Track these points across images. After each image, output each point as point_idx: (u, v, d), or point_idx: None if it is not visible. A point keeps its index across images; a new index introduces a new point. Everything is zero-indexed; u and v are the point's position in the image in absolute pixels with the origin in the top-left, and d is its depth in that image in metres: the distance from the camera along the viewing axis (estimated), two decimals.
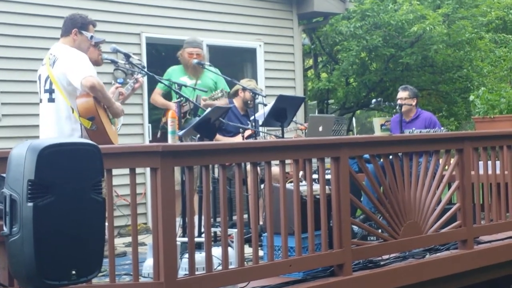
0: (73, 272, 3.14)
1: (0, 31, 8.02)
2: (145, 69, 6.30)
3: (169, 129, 5.20)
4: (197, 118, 6.00)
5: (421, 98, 14.12)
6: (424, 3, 13.40)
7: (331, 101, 15.41)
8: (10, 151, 2.99)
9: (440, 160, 6.17)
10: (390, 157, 5.70)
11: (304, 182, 5.26)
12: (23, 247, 3.01)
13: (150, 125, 8.94)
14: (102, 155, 3.27)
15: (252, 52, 10.51)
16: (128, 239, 6.36)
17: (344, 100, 14.68)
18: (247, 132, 7.22)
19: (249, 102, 7.56)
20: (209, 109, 5.79)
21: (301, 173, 5.57)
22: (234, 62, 10.57)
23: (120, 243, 6.89)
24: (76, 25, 5.74)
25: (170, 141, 5.09)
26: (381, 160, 5.83)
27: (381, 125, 6.15)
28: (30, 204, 2.94)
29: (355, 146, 5.41)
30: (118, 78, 6.90)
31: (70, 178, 3.10)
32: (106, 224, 3.50)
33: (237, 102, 7.63)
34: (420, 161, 5.85)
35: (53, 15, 8.04)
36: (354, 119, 12.09)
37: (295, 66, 11.00)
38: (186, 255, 4.39)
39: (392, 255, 5.70)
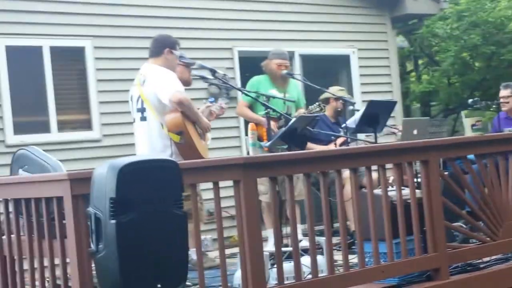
0: (158, 286, 3.22)
1: (99, 54, 8.32)
2: (229, 82, 6.35)
3: (250, 141, 5.23)
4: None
5: None
6: None
7: (433, 103, 15.15)
8: (93, 171, 3.10)
9: None
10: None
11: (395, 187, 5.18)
12: (108, 263, 3.10)
13: (247, 137, 9.01)
14: (181, 170, 3.33)
15: (345, 59, 10.45)
16: (228, 251, 6.43)
17: (447, 101, 14.39)
18: (340, 140, 7.18)
19: (339, 110, 7.51)
20: (294, 119, 5.80)
21: (391, 178, 5.51)
22: (327, 70, 10.54)
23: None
24: (167, 45, 5.87)
25: (251, 153, 5.12)
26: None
27: (472, 125, 5.98)
28: (113, 221, 3.03)
29: (443, 148, 5.30)
30: (210, 97, 6.98)
31: (151, 194, 3.17)
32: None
33: (328, 110, 7.59)
34: None
35: (145, 36, 8.24)
36: (464, 119, 11.81)
37: (391, 70, 10.88)
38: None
39: (493, 257, 5.54)
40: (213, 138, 6.94)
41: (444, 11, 12.21)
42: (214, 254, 6.32)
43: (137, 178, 3.16)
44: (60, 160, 4.36)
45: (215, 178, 4.33)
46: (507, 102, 7.97)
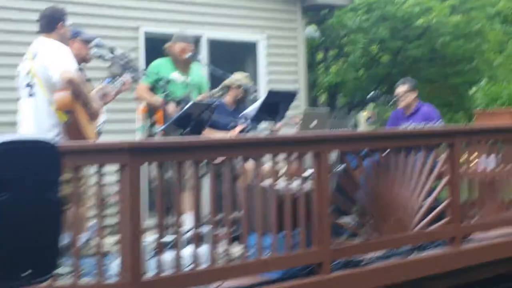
0: (28, 272, 3.11)
1: None
2: (129, 61, 6.19)
3: (137, 125, 5.12)
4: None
5: (430, 91, 14.00)
6: None
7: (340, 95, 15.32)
8: None
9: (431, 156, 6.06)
10: (385, 153, 5.62)
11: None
12: None
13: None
14: (59, 153, 3.22)
15: (253, 46, 10.42)
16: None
17: (353, 94, 14.56)
18: (238, 128, 7.14)
19: (239, 98, 7.47)
20: (188, 104, 5.72)
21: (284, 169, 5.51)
22: (235, 56, 10.48)
23: (109, 242, 6.83)
24: (60, 19, 5.69)
25: (138, 137, 5.03)
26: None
27: (367, 119, 6.02)
28: None
29: (336, 142, 5.33)
30: (108, 78, 6.75)
31: (23, 176, 3.04)
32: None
33: (228, 97, 7.52)
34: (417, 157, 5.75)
35: (38, 9, 7.96)
36: (360, 113, 11.94)
37: (298, 59, 10.87)
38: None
39: (377, 253, 5.61)
40: (109, 121, 6.79)
41: (355, 3, 12.32)
42: (108, 241, 6.22)
43: (12, 158, 3.03)
44: None
45: (100, 162, 4.24)
46: (405, 98, 8.06)
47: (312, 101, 14.83)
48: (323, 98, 16.28)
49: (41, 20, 5.73)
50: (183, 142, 4.76)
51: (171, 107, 6.43)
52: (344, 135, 5.88)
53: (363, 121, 6.22)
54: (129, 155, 4.16)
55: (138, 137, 5.18)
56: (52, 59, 5.44)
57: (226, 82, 7.48)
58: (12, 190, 2.99)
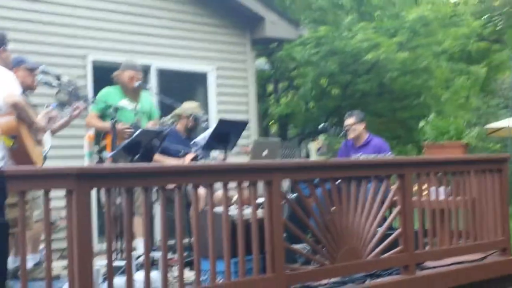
0: None
1: None
2: (75, 89, 6.09)
3: (86, 151, 5.03)
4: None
5: (379, 125, 14.12)
6: (380, 31, 13.39)
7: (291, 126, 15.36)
8: None
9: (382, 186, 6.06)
10: (337, 182, 5.60)
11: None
12: None
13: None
14: (4, 178, 3.14)
15: (203, 76, 10.40)
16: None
17: (303, 125, 14.61)
18: (189, 156, 7.06)
19: (189, 127, 7.42)
20: (138, 132, 5.65)
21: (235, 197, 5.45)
22: (185, 86, 10.43)
23: (60, 266, 6.68)
24: (1, 43, 5.57)
25: (86, 163, 4.92)
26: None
27: (318, 149, 6.01)
28: None
29: (288, 170, 5.30)
30: (53, 103, 6.64)
31: None
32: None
33: (179, 125, 7.47)
34: (368, 187, 5.75)
35: None
36: (310, 143, 11.99)
37: (249, 90, 10.90)
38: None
39: (331, 280, 5.56)
40: (58, 146, 6.66)
41: (303, 37, 12.39)
42: (57, 264, 6.08)
43: None
44: None
45: (47, 187, 4.12)
46: (353, 130, 8.15)
47: (264, 131, 14.85)
48: (274, 128, 16.32)
49: None
50: (132, 168, 4.67)
51: (121, 125, 6.41)
52: (295, 164, 5.85)
53: (313, 151, 6.22)
54: (76, 181, 4.05)
55: (86, 162, 5.07)
56: None
57: (177, 111, 7.43)
58: None
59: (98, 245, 6.72)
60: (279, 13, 11.32)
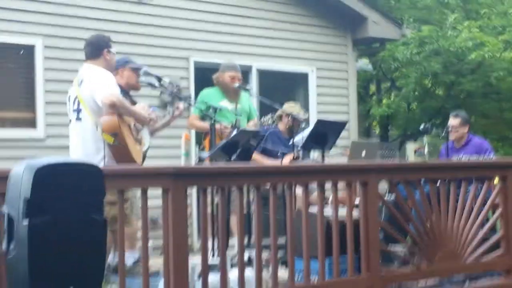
0: None
1: (49, 53, 8.19)
2: (177, 90, 6.24)
3: (183, 151, 5.13)
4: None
5: (484, 126, 13.77)
6: (485, 29, 13.03)
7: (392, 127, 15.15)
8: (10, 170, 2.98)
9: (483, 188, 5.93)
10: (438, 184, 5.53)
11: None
12: (18, 265, 2.99)
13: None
14: (103, 176, 3.22)
15: (304, 77, 10.42)
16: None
17: (405, 127, 14.39)
18: (288, 157, 7.10)
19: (289, 127, 7.45)
20: (235, 132, 5.73)
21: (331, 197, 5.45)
22: (285, 87, 10.49)
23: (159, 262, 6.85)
24: (105, 46, 5.78)
25: (183, 162, 5.02)
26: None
27: (415, 151, 5.93)
28: (25, 223, 2.92)
29: (384, 171, 5.26)
30: (153, 106, 6.83)
31: (68, 198, 3.07)
32: None
33: (280, 126, 7.54)
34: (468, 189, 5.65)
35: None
36: (408, 145, 11.85)
37: (349, 91, 10.86)
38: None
39: (429, 282, 5.50)
40: (157, 146, 6.82)
41: (406, 37, 12.22)
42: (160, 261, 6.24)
43: (54, 180, 3.06)
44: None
45: (144, 186, 4.23)
46: (456, 131, 7.97)
47: (366, 132, 14.71)
48: (377, 129, 16.13)
49: (86, 48, 5.84)
50: (225, 168, 4.75)
51: (220, 125, 6.49)
52: (391, 165, 5.80)
53: (411, 153, 6.15)
54: (172, 180, 4.15)
55: (182, 162, 5.19)
56: (96, 84, 5.52)
57: (278, 112, 7.50)
58: (55, 211, 3.01)
59: (198, 243, 6.85)
60: (381, 12, 11.23)
